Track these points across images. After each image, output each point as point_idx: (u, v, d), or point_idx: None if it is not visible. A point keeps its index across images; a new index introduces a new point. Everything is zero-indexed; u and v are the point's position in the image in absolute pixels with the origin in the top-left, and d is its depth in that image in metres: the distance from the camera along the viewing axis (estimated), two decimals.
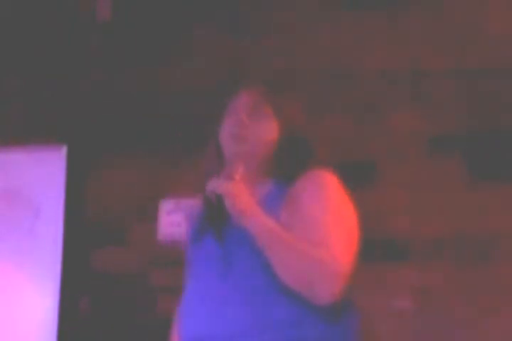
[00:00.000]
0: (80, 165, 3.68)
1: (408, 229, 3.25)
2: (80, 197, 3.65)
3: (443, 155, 3.30)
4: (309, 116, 3.40)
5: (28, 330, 3.59)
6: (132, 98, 3.69)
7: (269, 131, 2.05)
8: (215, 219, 1.93)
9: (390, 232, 3.26)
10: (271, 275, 1.86)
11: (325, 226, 1.89)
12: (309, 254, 1.83)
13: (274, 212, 1.90)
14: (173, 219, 3.52)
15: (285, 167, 2.02)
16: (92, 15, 3.74)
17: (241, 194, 1.87)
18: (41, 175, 3.69)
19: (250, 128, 2.02)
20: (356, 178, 3.32)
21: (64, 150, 3.68)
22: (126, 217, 3.59)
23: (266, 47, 3.55)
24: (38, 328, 3.57)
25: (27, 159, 3.72)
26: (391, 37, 3.43)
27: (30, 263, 3.63)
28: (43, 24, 3.81)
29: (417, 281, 3.21)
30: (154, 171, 3.60)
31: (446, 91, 3.33)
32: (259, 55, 3.55)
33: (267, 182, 2.01)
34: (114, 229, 3.60)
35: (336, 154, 3.37)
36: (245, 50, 3.57)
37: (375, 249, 3.22)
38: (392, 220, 3.27)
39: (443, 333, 3.15)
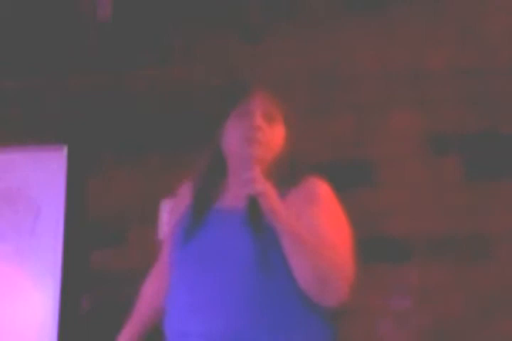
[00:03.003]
0: (81, 165, 3.68)
1: (408, 229, 3.25)
2: (81, 197, 3.65)
3: (443, 155, 3.30)
4: (309, 116, 3.42)
5: (28, 330, 3.59)
6: (132, 98, 3.69)
7: (279, 135, 2.05)
8: (254, 221, 1.93)
9: (389, 232, 3.27)
10: (291, 277, 1.88)
11: (328, 233, 1.92)
12: (328, 258, 1.87)
13: None
14: None
15: (282, 175, 2.03)
16: (92, 15, 3.74)
17: (272, 193, 1.89)
18: (41, 175, 3.70)
19: (266, 132, 2.02)
20: (356, 178, 3.33)
21: (64, 150, 3.68)
22: (127, 216, 3.59)
23: (266, 47, 3.55)
24: (39, 328, 3.57)
25: (27, 159, 3.72)
26: (391, 37, 3.43)
27: (30, 263, 3.64)
28: (43, 24, 3.81)
29: (417, 281, 3.21)
30: (154, 171, 3.60)
31: (446, 91, 3.33)
32: (259, 55, 3.55)
33: None
34: (114, 229, 3.60)
35: (336, 154, 3.39)
36: (245, 50, 3.57)
37: (375, 248, 3.23)
38: (392, 220, 3.27)
39: (443, 333, 3.15)
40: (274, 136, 2.04)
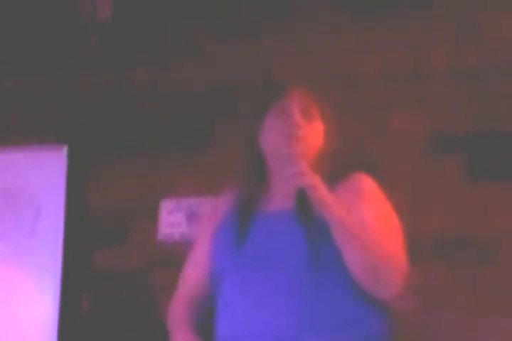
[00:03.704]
0: (81, 165, 3.68)
1: (408, 229, 3.24)
2: (81, 197, 3.65)
3: (443, 155, 3.29)
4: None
5: (28, 330, 3.59)
6: (132, 98, 3.69)
7: (318, 132, 2.04)
8: (302, 213, 1.91)
9: None
10: (347, 274, 1.87)
11: (378, 226, 1.93)
12: (380, 248, 1.88)
13: None
14: (173, 219, 3.52)
15: (325, 172, 2.01)
16: (92, 15, 3.74)
17: (322, 185, 1.88)
18: (42, 175, 3.70)
19: (305, 129, 2.01)
20: None
21: (64, 150, 3.68)
22: (127, 216, 3.59)
23: (265, 47, 3.55)
24: (39, 328, 3.57)
25: (27, 159, 3.72)
26: (391, 37, 3.43)
27: (30, 263, 3.64)
28: (43, 24, 3.81)
29: (417, 281, 3.20)
30: (154, 171, 3.60)
31: (446, 91, 3.33)
32: (259, 55, 3.55)
33: None
34: (114, 229, 3.60)
35: (336, 154, 3.38)
36: (245, 50, 3.57)
37: None
38: None
39: (443, 333, 3.15)
40: (314, 133, 2.03)
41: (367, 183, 2.04)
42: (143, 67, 3.70)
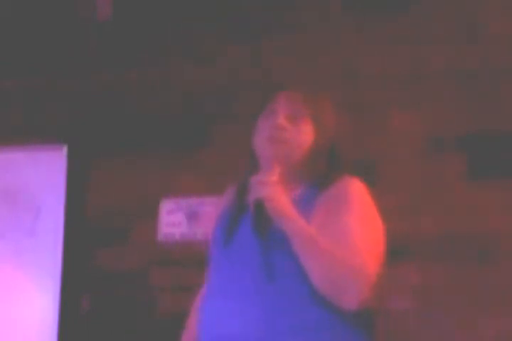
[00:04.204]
0: (81, 165, 3.68)
1: (408, 229, 3.24)
2: (81, 196, 3.65)
3: (443, 155, 3.30)
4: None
5: (28, 330, 3.59)
6: (132, 98, 3.69)
7: (306, 134, 2.03)
8: (257, 223, 1.91)
9: (389, 232, 3.26)
10: (307, 280, 1.87)
11: (354, 235, 1.89)
12: (342, 260, 1.85)
13: (305, 216, 1.90)
14: (173, 219, 3.52)
15: (318, 172, 2.01)
16: (92, 14, 3.74)
17: (280, 197, 1.87)
18: (42, 174, 3.70)
19: (289, 131, 2.01)
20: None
21: (64, 150, 3.68)
22: (127, 216, 3.59)
23: (266, 47, 3.55)
24: (39, 328, 3.58)
25: (27, 159, 3.73)
26: (391, 37, 3.43)
27: (30, 263, 3.64)
28: (43, 24, 3.81)
29: (417, 281, 3.21)
30: (154, 171, 3.60)
31: (446, 91, 3.33)
32: (259, 55, 3.55)
33: (300, 186, 1.99)
34: (114, 229, 3.60)
35: (334, 152, 3.39)
36: (245, 50, 3.57)
37: None
38: (393, 220, 3.26)
39: (443, 333, 3.15)
40: (300, 135, 2.02)
41: (354, 189, 2.01)
42: (143, 67, 3.70)
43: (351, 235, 1.89)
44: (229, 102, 3.53)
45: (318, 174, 2.00)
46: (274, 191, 1.87)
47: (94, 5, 3.72)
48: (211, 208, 3.41)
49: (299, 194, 1.98)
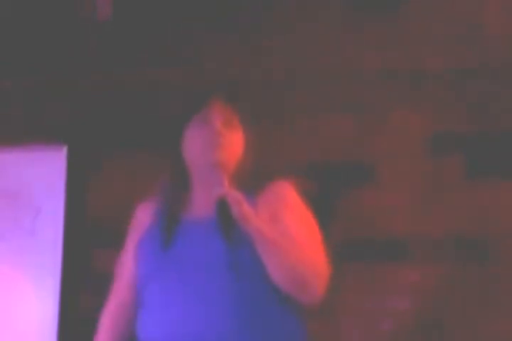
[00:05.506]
0: (81, 165, 3.68)
1: (408, 229, 3.25)
2: (81, 197, 3.65)
3: (443, 155, 3.30)
4: (309, 116, 3.42)
5: (28, 330, 3.59)
6: (132, 98, 3.69)
7: (239, 142, 2.09)
8: (224, 225, 1.95)
9: (389, 232, 3.26)
10: (266, 279, 1.92)
11: (302, 235, 1.99)
12: (303, 257, 1.94)
13: None
14: None
15: (249, 178, 2.06)
16: (92, 14, 3.74)
17: (242, 199, 1.91)
18: (41, 175, 3.69)
19: (227, 137, 2.05)
20: (356, 178, 3.33)
21: (64, 150, 3.68)
22: (126, 216, 3.58)
23: (266, 47, 3.55)
24: (38, 328, 3.57)
25: (27, 159, 3.72)
26: (391, 37, 3.43)
27: (30, 263, 3.63)
28: (43, 24, 3.81)
29: (417, 281, 3.21)
30: (155, 171, 3.59)
31: (446, 91, 3.34)
32: (259, 55, 3.55)
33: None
34: (114, 229, 3.58)
35: (335, 154, 3.38)
36: (245, 50, 3.57)
37: (375, 248, 3.23)
38: (392, 220, 3.27)
39: (443, 333, 3.15)
40: (235, 142, 2.09)
41: (289, 192, 2.09)
42: (143, 67, 3.70)
43: (299, 236, 1.98)
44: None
45: (245, 183, 2.04)
46: (238, 195, 1.92)
47: (94, 5, 3.72)
48: None
49: None
